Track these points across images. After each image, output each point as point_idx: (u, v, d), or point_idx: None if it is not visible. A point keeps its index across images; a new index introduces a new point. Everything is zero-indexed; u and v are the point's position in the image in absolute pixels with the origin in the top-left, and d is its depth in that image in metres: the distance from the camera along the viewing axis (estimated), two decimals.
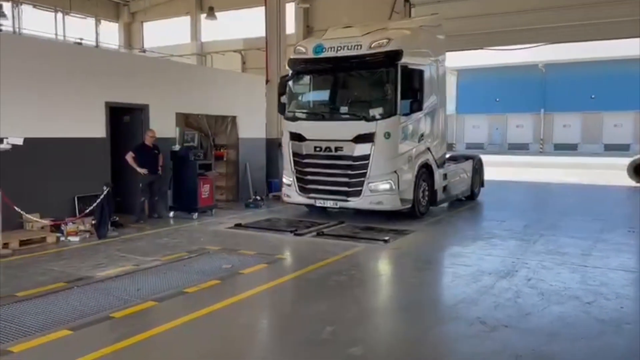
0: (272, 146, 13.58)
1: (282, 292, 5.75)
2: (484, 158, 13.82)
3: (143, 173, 9.71)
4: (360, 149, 9.09)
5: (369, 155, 9.03)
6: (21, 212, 7.85)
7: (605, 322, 4.67)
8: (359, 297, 5.51)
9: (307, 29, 22.68)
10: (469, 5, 18.69)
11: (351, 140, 9.11)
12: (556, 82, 40.00)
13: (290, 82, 10.20)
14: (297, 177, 9.81)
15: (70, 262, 6.85)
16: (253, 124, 13.39)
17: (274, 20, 14.06)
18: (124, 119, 10.60)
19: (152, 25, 25.68)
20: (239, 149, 12.89)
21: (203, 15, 23.92)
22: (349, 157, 9.20)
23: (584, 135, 40.62)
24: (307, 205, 10.42)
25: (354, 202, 9.28)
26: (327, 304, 5.22)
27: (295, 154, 9.80)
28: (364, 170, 9.09)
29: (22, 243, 7.70)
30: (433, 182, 10.14)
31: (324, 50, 9.64)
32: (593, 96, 38.65)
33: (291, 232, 8.68)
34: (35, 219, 8.20)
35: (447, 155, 12.01)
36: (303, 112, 10.08)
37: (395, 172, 9.08)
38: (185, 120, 12.17)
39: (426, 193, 9.99)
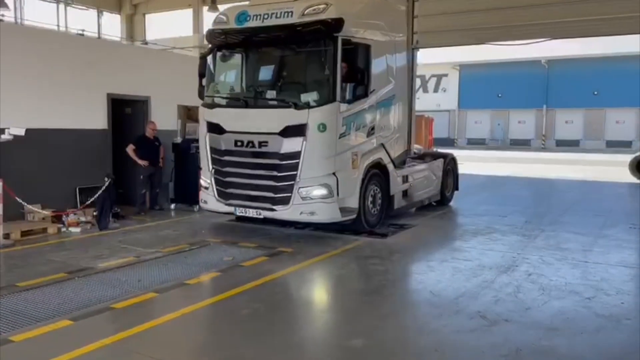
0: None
1: (283, 284, 5.75)
2: (485, 154, 13.67)
3: (143, 165, 9.71)
4: (289, 145, 7.18)
5: (300, 152, 7.13)
6: (23, 202, 7.86)
7: (606, 317, 4.67)
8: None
9: None
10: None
11: (278, 134, 7.22)
12: (559, 78, 39.89)
13: (209, 60, 8.18)
14: (215, 179, 7.86)
15: (71, 253, 6.86)
16: None
17: None
18: (126, 111, 10.60)
19: (155, 18, 25.61)
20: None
21: (205, 8, 23.86)
22: (275, 155, 7.29)
23: (586, 131, 40.54)
24: (239, 217, 8.37)
25: (281, 212, 7.38)
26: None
27: (213, 150, 7.86)
28: (294, 172, 7.19)
29: (24, 234, 7.72)
30: (388, 186, 8.41)
31: (248, 18, 7.66)
32: (596, 92, 38.55)
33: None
34: (36, 209, 8.21)
35: (415, 153, 10.76)
36: (223, 98, 8.19)
37: (333, 174, 7.24)
38: (187, 113, 12.16)
39: (378, 199, 8.24)
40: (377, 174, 8.15)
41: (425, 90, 44.11)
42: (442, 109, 42.19)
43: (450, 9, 19.06)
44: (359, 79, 7.39)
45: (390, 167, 8.47)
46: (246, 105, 7.74)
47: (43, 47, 8.97)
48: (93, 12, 23.17)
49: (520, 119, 42.69)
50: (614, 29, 17.07)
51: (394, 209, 8.74)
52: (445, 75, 44.64)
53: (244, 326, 4.49)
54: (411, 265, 6.87)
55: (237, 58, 8.38)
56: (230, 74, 8.65)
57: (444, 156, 11.12)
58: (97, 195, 8.36)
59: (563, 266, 6.34)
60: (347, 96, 7.37)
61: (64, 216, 8.36)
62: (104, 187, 8.36)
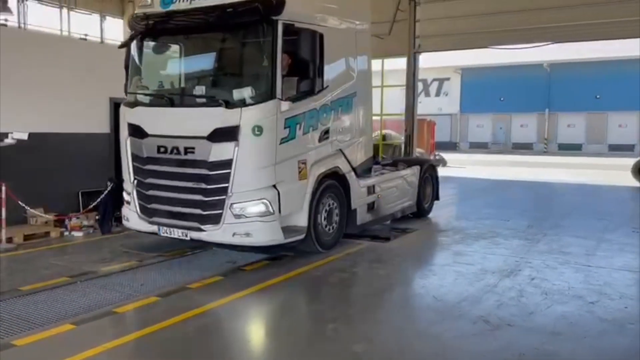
0: None
1: (288, 289, 5.75)
2: (487, 158, 13.56)
3: None
4: (219, 152, 5.98)
5: (231, 161, 5.94)
6: (25, 206, 7.87)
7: (609, 321, 4.66)
8: None
9: None
10: (477, 3, 18.60)
11: (206, 138, 6.02)
12: (561, 81, 39.90)
13: (132, 50, 6.99)
14: (137, 192, 6.65)
15: (73, 257, 6.87)
16: None
17: None
18: None
19: None
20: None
21: None
22: (202, 164, 6.07)
23: (589, 135, 40.49)
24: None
25: (210, 233, 6.13)
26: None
27: (134, 157, 6.65)
28: (225, 184, 6.00)
29: (26, 237, 7.73)
30: (349, 199, 7.30)
31: (174, 0, 6.56)
32: (598, 96, 38.54)
33: None
34: (39, 213, 8.22)
35: (391, 160, 10.17)
36: (146, 95, 6.95)
37: (273, 186, 6.08)
38: None
39: (335, 215, 7.11)
40: (333, 185, 7.02)
41: (427, 94, 44.17)
42: (444, 113, 42.19)
43: (452, 13, 19.11)
44: (305, 72, 6.28)
45: (350, 176, 7.33)
46: (171, 103, 6.50)
47: (46, 51, 9.00)
48: (96, 17, 23.25)
49: (522, 122, 42.68)
50: (615, 32, 17.06)
51: (356, 226, 7.53)
52: (447, 79, 44.68)
53: (248, 329, 4.47)
54: (413, 269, 6.85)
55: (163, 47, 7.25)
56: (155, 66, 7.29)
57: (421, 163, 10.01)
58: (99, 199, 8.37)
59: (566, 270, 6.32)
60: (291, 93, 6.17)
61: (67, 220, 8.37)
62: (106, 191, 8.37)
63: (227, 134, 5.96)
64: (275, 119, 6.02)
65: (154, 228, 6.57)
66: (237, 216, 6.03)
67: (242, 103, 5.98)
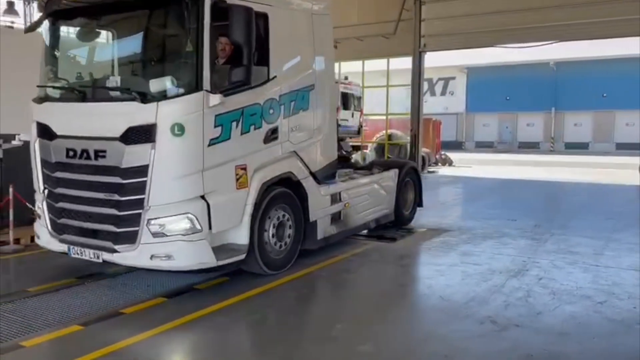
0: None
1: (297, 286, 5.75)
2: (493, 157, 13.44)
3: None
4: (133, 156, 4.99)
5: (147, 167, 4.94)
6: (33, 208, 7.88)
7: (618, 322, 4.63)
8: None
9: None
10: (482, 2, 18.54)
11: (118, 139, 5.02)
12: (567, 80, 39.75)
13: (44, 35, 5.97)
14: (47, 204, 5.68)
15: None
16: None
17: None
18: None
19: None
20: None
21: None
22: (115, 170, 5.07)
23: (595, 134, 40.35)
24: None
25: (124, 255, 5.14)
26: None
27: (43, 163, 5.70)
28: (140, 196, 4.99)
29: (34, 239, 7.75)
30: (306, 210, 6.31)
31: None
32: (605, 95, 38.37)
33: None
34: None
35: (365, 163, 9.12)
36: (55, 88, 5.89)
37: (201, 197, 5.06)
38: None
39: (288, 230, 6.11)
40: (284, 194, 6.03)
41: (433, 94, 44.13)
42: (450, 112, 42.16)
43: (457, 12, 19.06)
44: (240, 58, 5.13)
45: (308, 183, 6.35)
46: (83, 97, 5.48)
47: None
48: None
49: (528, 121, 42.59)
50: (621, 30, 16.96)
51: (317, 240, 6.54)
52: (453, 78, 44.62)
53: (254, 331, 4.48)
54: (420, 269, 6.85)
55: (76, 31, 6.21)
56: (68, 54, 6.31)
57: (400, 166, 8.88)
58: None
59: (574, 270, 6.30)
60: (224, 83, 5.17)
61: None
62: None
63: (142, 134, 4.95)
64: (201, 115, 4.96)
65: (64, 247, 5.52)
66: (156, 234, 4.98)
67: (163, 96, 4.97)
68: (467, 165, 24.46)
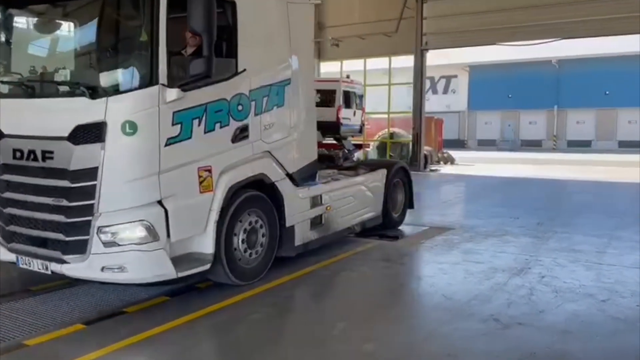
0: None
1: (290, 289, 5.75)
2: (496, 155, 13.36)
3: None
4: (82, 157, 4.55)
5: (97, 169, 4.51)
6: None
7: (621, 320, 4.62)
8: None
9: (319, 25, 22.63)
10: (484, 0, 18.52)
11: (66, 139, 4.59)
12: (570, 78, 39.68)
13: None
14: None
15: None
16: None
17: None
18: None
19: None
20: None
21: None
22: (63, 173, 4.63)
23: (598, 132, 40.30)
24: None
25: (74, 266, 4.66)
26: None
27: None
28: (90, 201, 4.55)
29: None
30: (282, 214, 5.88)
31: None
32: (607, 92, 38.29)
33: None
34: None
35: (352, 163, 8.97)
36: (4, 83, 5.36)
37: (158, 203, 4.61)
38: None
39: (261, 237, 5.65)
40: (256, 197, 5.58)
41: (435, 92, 44.08)
42: (452, 111, 42.11)
43: (459, 11, 19.07)
44: (203, 48, 4.61)
45: (284, 185, 5.90)
46: (31, 93, 5.05)
47: None
48: None
49: (531, 119, 42.53)
50: (623, 28, 16.93)
51: (295, 247, 6.10)
52: (455, 76, 44.57)
53: (255, 329, 4.49)
54: (422, 268, 6.84)
55: (26, 22, 5.75)
56: (16, 44, 5.65)
57: (388, 166, 8.40)
58: None
59: (577, 268, 6.28)
60: (183, 76, 4.70)
61: None
62: None
63: (91, 133, 4.52)
64: (157, 112, 4.53)
65: (12, 257, 5.05)
66: (107, 244, 4.52)
67: (115, 91, 4.56)
68: (469, 163, 24.43)
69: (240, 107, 5.29)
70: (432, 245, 7.62)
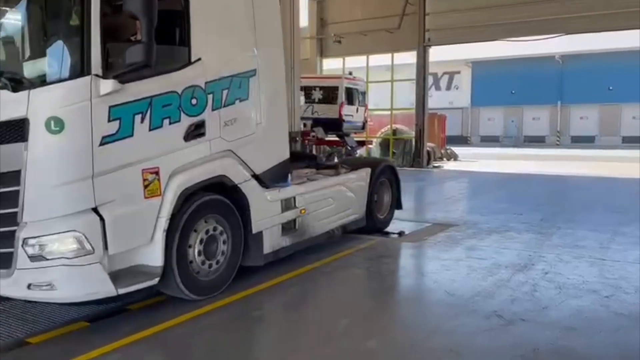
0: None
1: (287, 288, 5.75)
2: (499, 151, 13.32)
3: None
4: (3, 158, 4.04)
5: (19, 173, 3.97)
6: None
7: (625, 316, 4.60)
8: None
9: (321, 22, 22.62)
10: None
11: None
12: (573, 73, 39.56)
13: None
14: None
15: None
16: None
17: (287, 14, 14.01)
18: None
19: None
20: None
21: None
22: None
23: (602, 127, 40.17)
24: None
25: None
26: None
27: None
28: (13, 209, 4.02)
29: None
30: (247, 220, 5.29)
31: None
32: (611, 88, 38.16)
33: None
34: None
35: (334, 162, 8.23)
36: None
37: (93, 210, 4.05)
38: None
39: (222, 246, 5.06)
40: (216, 202, 5.00)
41: (438, 88, 44.04)
42: (455, 107, 42.07)
43: (462, 6, 19.03)
44: (157, 36, 4.07)
45: (249, 187, 5.31)
46: None
47: None
48: None
49: (534, 115, 42.45)
50: (627, 23, 16.86)
51: (263, 255, 5.53)
52: (458, 72, 44.50)
53: (257, 326, 4.48)
54: (426, 264, 6.82)
55: None
56: None
57: (373, 164, 7.86)
58: None
59: (580, 264, 6.26)
60: (121, 65, 4.09)
61: None
62: None
63: (12, 131, 3.98)
64: (88, 106, 3.96)
65: None
66: (34, 258, 3.95)
67: (41, 82, 4.04)
68: (472, 160, 24.39)
69: (194, 101, 4.71)
70: (435, 241, 7.61)
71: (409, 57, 20.90)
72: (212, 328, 4.45)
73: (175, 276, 4.58)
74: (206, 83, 4.80)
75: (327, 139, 18.43)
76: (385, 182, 8.09)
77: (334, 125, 18.36)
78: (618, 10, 16.24)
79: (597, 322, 4.48)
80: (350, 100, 19.24)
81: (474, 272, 5.93)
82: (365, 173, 7.57)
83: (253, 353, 4.12)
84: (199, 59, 4.73)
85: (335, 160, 12.09)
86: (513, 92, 41.62)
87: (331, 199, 6.76)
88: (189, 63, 4.67)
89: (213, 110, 4.89)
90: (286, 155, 5.96)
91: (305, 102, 18.24)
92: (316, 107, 18.50)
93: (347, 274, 6.12)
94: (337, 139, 19.11)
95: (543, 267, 6.09)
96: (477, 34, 19.74)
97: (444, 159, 23.95)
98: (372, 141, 22.25)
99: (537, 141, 40.41)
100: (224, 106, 5.01)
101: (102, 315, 4.62)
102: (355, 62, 22.74)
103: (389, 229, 8.09)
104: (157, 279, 4.41)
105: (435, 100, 36.38)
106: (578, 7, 16.88)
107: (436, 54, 22.43)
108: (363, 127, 20.68)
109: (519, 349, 3.92)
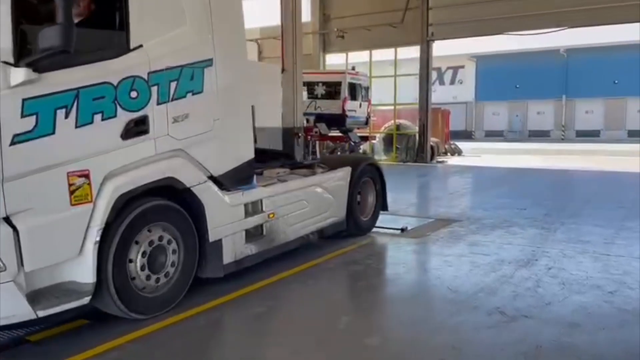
0: (289, 135, 13.52)
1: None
2: (503, 146, 13.21)
3: None
4: None
5: None
6: None
7: (629, 312, 4.55)
8: None
9: (324, 16, 22.54)
10: None
11: None
12: (578, 67, 39.33)
13: None
14: None
15: None
16: (269, 113, 13.33)
17: (290, 8, 13.94)
18: None
19: None
20: (256, 139, 12.83)
21: None
22: None
23: (607, 121, 39.95)
24: None
25: None
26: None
27: None
28: None
29: None
30: (202, 227, 4.75)
31: None
32: (616, 81, 37.92)
33: None
34: None
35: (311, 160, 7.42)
36: None
37: (4, 220, 3.53)
38: None
39: (170, 258, 4.52)
40: (163, 207, 4.46)
41: (442, 83, 43.86)
42: (459, 102, 41.88)
43: (465, 0, 18.88)
44: (87, 20, 3.92)
45: (205, 190, 4.76)
46: None
47: None
48: None
49: (539, 110, 42.26)
50: (632, 16, 16.72)
51: (221, 266, 4.97)
52: (462, 67, 44.31)
53: (256, 323, 4.47)
54: (428, 260, 6.79)
55: None
56: None
57: (354, 163, 7.24)
58: None
59: (584, 259, 6.21)
60: (36, 51, 3.50)
61: None
62: None
63: None
64: None
65: None
66: None
67: None
68: (476, 154, 24.30)
69: (134, 94, 4.12)
70: (438, 237, 7.57)
71: (413, 52, 20.80)
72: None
73: (112, 294, 4.03)
74: (149, 73, 4.22)
75: (330, 134, 18.38)
76: (368, 181, 7.54)
77: (337, 120, 18.32)
78: (623, 2, 16.10)
79: (601, 318, 4.43)
80: (353, 95, 19.18)
81: (476, 268, 5.89)
82: (344, 172, 7.01)
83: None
84: (140, 46, 4.17)
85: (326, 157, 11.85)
86: (517, 86, 41.42)
87: (305, 201, 6.18)
88: (128, 50, 4.10)
89: (158, 104, 4.32)
90: (251, 154, 5.40)
91: (308, 98, 18.21)
92: (319, 102, 18.46)
93: (349, 270, 6.09)
94: (340, 134, 19.07)
95: (546, 263, 6.04)
96: (480, 28, 19.62)
97: (448, 154, 23.86)
98: (375, 136, 22.19)
99: (541, 136, 40.22)
100: (173, 100, 4.44)
101: (101, 313, 4.60)
102: (358, 57, 22.66)
103: (391, 225, 8.03)
104: (87, 298, 3.86)
105: (439, 95, 36.23)
106: (583, 0, 16.74)
107: (440, 48, 22.32)
108: (366, 123, 20.63)
109: (521, 346, 3.89)
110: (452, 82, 45.03)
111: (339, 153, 19.77)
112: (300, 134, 13.31)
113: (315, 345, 4.07)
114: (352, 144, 19.81)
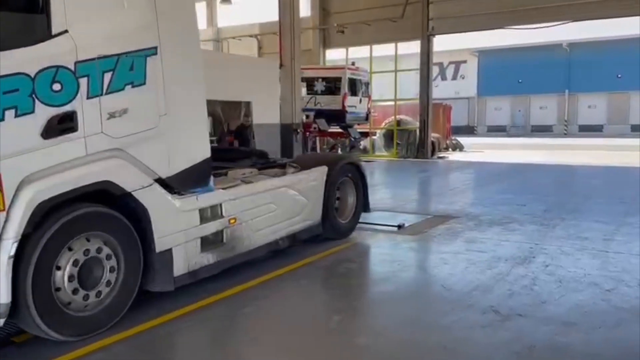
0: (287, 131, 13.50)
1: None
2: (506, 141, 13.10)
3: None
4: None
5: None
6: None
7: (626, 310, 4.47)
8: None
9: (323, 11, 22.44)
10: None
11: None
12: (581, 61, 39.11)
13: None
14: None
15: None
16: (268, 109, 13.30)
17: (288, 3, 13.87)
18: None
19: None
20: (254, 135, 12.81)
21: (219, 0, 23.83)
22: None
23: (610, 116, 39.76)
24: None
25: None
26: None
27: None
28: None
29: None
30: (147, 237, 4.23)
31: None
32: (619, 75, 37.69)
33: None
34: None
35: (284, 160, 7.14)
36: None
37: None
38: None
39: (107, 272, 4.01)
40: (98, 215, 3.95)
41: (444, 78, 43.73)
42: (461, 97, 41.75)
43: None
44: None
45: (149, 194, 4.23)
46: None
47: None
48: None
49: (541, 104, 42.09)
50: (635, 9, 16.56)
51: (172, 278, 4.45)
52: (464, 61, 44.15)
53: (255, 322, 4.40)
54: (423, 257, 6.71)
55: None
56: None
57: (331, 162, 6.71)
58: None
59: (582, 256, 6.12)
60: None
61: None
62: None
63: None
64: None
65: None
66: None
67: None
68: (478, 150, 24.17)
69: (56, 87, 3.60)
70: (435, 234, 7.48)
71: (414, 47, 20.68)
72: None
73: (31, 313, 3.54)
74: (76, 63, 3.69)
75: (330, 130, 18.29)
76: (348, 181, 6.99)
77: (337, 116, 18.25)
78: None
79: (597, 316, 4.35)
80: (353, 91, 19.10)
81: (472, 266, 5.81)
82: (319, 172, 6.44)
83: None
84: (65, 31, 3.63)
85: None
86: (520, 81, 41.23)
87: (273, 204, 5.61)
88: (49, 37, 3.57)
89: (89, 98, 3.79)
90: (206, 153, 4.83)
91: (308, 94, 18.14)
92: (319, 98, 18.40)
93: (343, 268, 6.01)
94: (340, 130, 18.99)
95: (544, 260, 5.96)
96: (482, 22, 19.49)
97: (449, 149, 23.76)
98: (376, 132, 22.10)
99: (544, 130, 40.05)
100: (107, 93, 3.90)
101: None
102: (358, 52, 22.54)
103: (389, 221, 7.95)
104: (1, 320, 3.43)
105: (441, 90, 36.13)
106: None
107: (442, 43, 22.21)
108: (367, 118, 20.55)
109: (514, 346, 3.81)
110: (455, 77, 44.86)
111: (339, 149, 19.70)
112: (299, 130, 13.29)
113: (305, 345, 4.00)
114: (353, 140, 19.73)
